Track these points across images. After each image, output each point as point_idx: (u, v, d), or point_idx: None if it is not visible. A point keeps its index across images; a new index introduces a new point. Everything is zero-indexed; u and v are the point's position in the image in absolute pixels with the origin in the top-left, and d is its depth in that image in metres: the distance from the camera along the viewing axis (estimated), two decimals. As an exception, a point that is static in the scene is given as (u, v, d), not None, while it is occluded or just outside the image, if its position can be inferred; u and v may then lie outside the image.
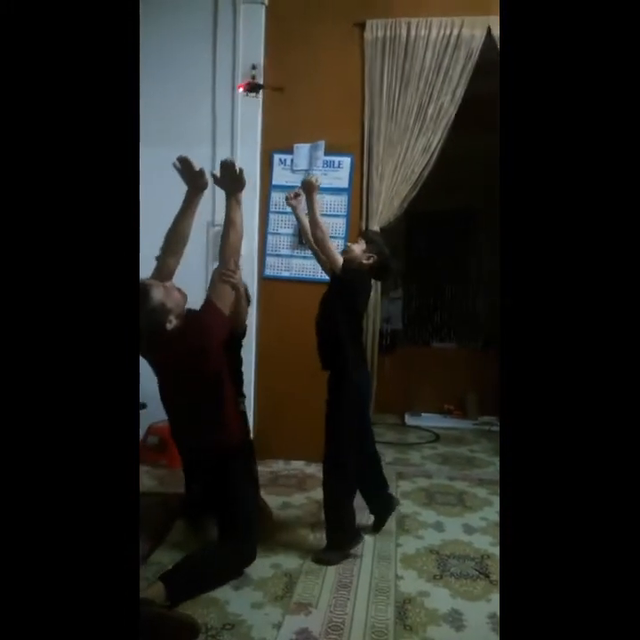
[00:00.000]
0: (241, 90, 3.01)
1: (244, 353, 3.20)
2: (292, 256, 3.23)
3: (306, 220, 2.28)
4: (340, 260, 2.10)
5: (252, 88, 2.97)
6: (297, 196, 2.35)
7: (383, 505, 2.29)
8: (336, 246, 2.29)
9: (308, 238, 2.31)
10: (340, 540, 2.06)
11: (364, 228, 3.12)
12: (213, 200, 3.21)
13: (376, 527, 2.28)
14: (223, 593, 1.79)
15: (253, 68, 3.15)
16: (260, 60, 3.18)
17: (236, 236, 1.88)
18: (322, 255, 2.23)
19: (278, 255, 3.26)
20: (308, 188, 2.17)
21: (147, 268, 1.98)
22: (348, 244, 2.33)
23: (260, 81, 3.10)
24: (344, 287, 2.13)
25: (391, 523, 2.36)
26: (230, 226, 1.87)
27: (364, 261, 2.16)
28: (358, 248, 2.19)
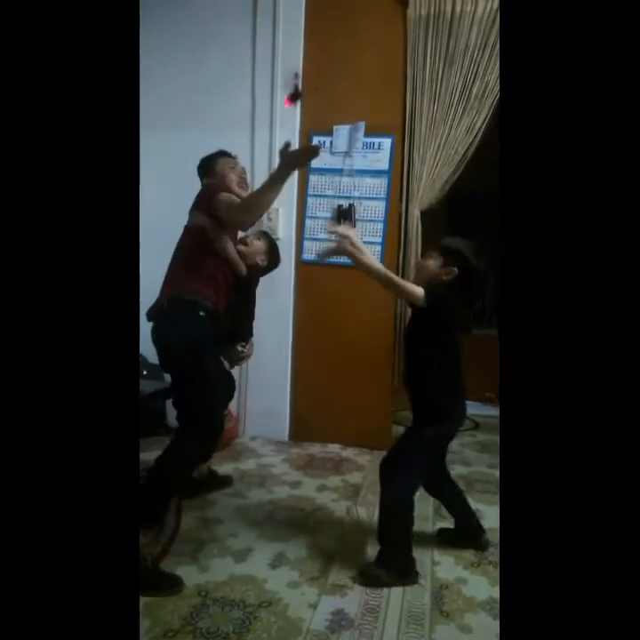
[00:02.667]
0: (287, 105, 3.05)
1: (280, 336, 3.24)
2: (329, 240, 3.20)
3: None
4: (420, 291, 1.74)
5: (296, 97, 3.02)
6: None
7: (471, 531, 2.05)
8: (403, 279, 1.95)
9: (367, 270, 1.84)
10: (389, 559, 1.80)
11: (404, 211, 3.07)
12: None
13: (449, 541, 2.07)
14: (261, 571, 1.81)
15: (296, 76, 3.13)
16: (301, 38, 3.14)
17: (262, 205, 1.84)
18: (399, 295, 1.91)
19: (316, 239, 3.24)
20: (341, 252, 1.82)
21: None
22: (419, 261, 2.03)
23: (300, 79, 3.10)
24: (434, 317, 1.78)
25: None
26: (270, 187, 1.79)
27: (444, 278, 1.81)
28: (433, 264, 1.84)
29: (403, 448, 1.88)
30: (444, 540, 2.08)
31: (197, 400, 1.86)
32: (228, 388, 2.56)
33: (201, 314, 1.90)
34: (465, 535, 2.06)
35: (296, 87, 3.11)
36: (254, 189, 2.01)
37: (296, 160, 1.78)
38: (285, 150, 1.75)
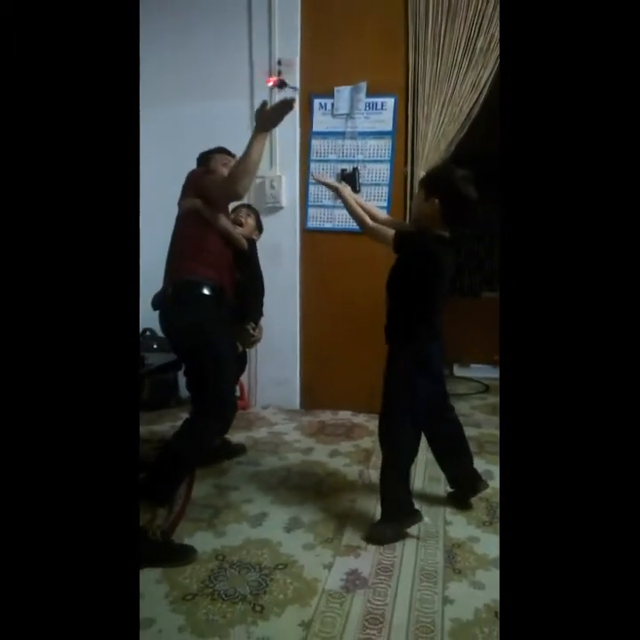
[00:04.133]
0: (270, 84, 2.94)
1: (288, 305, 3.23)
2: (334, 207, 3.15)
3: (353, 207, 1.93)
4: (389, 232, 1.77)
5: (280, 85, 2.88)
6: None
7: (465, 480, 2.09)
8: (384, 216, 2.04)
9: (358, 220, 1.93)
10: (392, 513, 1.85)
11: (409, 172, 3.00)
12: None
13: (456, 501, 2.08)
14: (276, 535, 1.85)
15: (279, 63, 3.04)
16: (298, 1, 3.04)
17: (250, 169, 1.78)
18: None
19: (321, 206, 3.20)
20: (332, 190, 1.97)
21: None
22: (414, 201, 2.03)
23: (287, 77, 2.99)
24: (406, 260, 1.81)
25: (440, 470, 2.36)
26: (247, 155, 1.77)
27: (427, 212, 1.76)
28: (419, 200, 1.81)
29: (390, 394, 1.86)
30: (455, 502, 2.10)
31: (211, 380, 1.86)
32: (239, 364, 2.57)
33: (205, 293, 1.89)
34: (465, 487, 2.08)
35: (279, 73, 3.02)
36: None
37: (269, 119, 1.78)
38: (261, 110, 1.76)
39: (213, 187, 1.92)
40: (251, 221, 2.47)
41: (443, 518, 1.98)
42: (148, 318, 2.01)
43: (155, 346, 2.90)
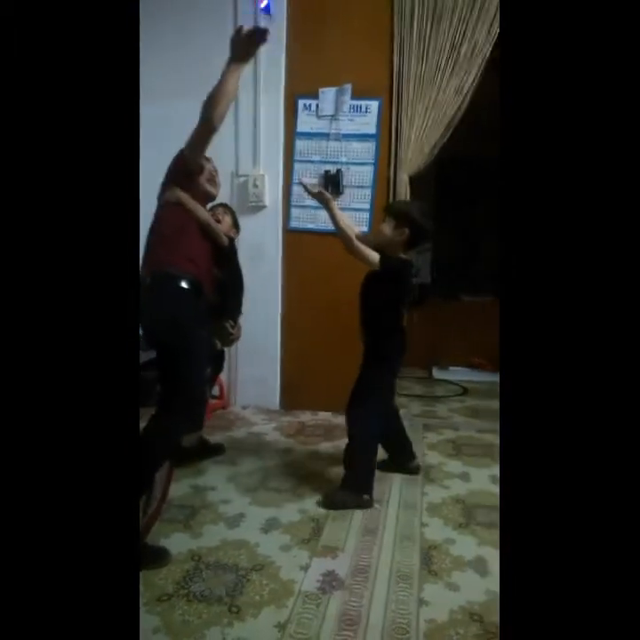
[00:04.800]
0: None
1: (269, 305, 3.22)
2: (317, 207, 3.11)
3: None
4: (375, 256, 2.01)
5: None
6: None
7: (406, 460, 2.41)
8: (361, 234, 2.14)
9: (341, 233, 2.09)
10: (353, 482, 2.09)
11: (392, 176, 3.02)
12: (236, 150, 3.16)
13: (389, 468, 2.39)
14: (253, 536, 1.84)
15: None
16: (285, 2, 3.03)
17: (223, 97, 1.73)
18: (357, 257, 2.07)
19: (303, 206, 3.19)
20: (322, 200, 2.07)
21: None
22: (378, 227, 2.21)
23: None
24: (386, 280, 2.08)
25: (420, 473, 2.38)
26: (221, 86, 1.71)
27: (397, 239, 2.07)
28: (388, 228, 2.09)
29: (361, 390, 2.17)
30: (385, 469, 2.37)
31: (180, 378, 1.83)
32: (215, 360, 2.55)
33: (184, 286, 1.86)
34: (400, 462, 2.41)
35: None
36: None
37: (244, 48, 1.69)
38: (236, 37, 1.67)
39: (192, 139, 1.83)
40: (228, 219, 2.47)
41: (419, 520, 2.00)
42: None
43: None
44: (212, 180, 2.06)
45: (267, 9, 3.00)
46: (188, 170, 1.91)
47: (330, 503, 2.06)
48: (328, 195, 2.10)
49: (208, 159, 2.06)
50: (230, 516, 1.97)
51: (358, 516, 2.01)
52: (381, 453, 2.27)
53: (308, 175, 3.10)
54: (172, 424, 1.83)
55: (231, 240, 2.37)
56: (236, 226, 2.57)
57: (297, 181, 3.15)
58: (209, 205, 2.24)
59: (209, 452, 2.52)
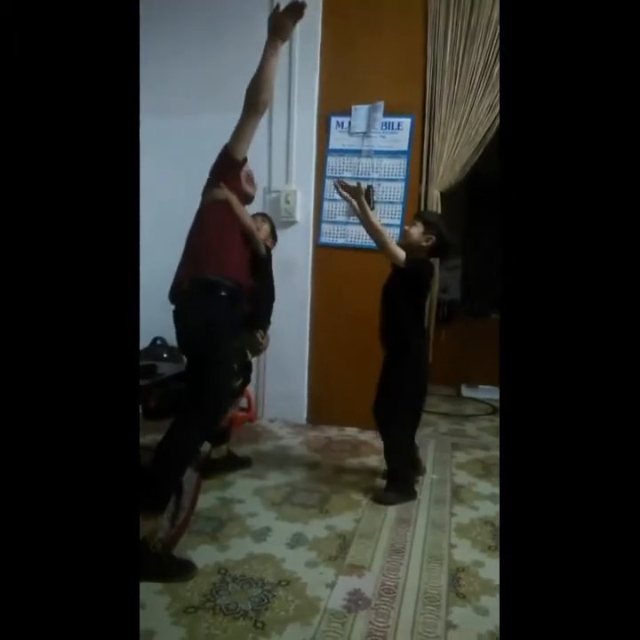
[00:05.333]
0: None
1: (298, 320, 3.24)
2: (348, 223, 3.17)
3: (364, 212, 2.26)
4: (402, 254, 2.14)
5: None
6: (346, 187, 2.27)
7: (413, 465, 2.48)
8: (391, 236, 2.29)
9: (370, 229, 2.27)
10: (397, 484, 2.27)
11: (423, 192, 3.03)
12: (269, 166, 3.21)
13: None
14: (279, 550, 1.84)
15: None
16: (319, 16, 3.08)
17: (266, 81, 1.78)
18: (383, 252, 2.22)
19: (334, 222, 3.22)
20: (353, 193, 2.19)
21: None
22: (405, 228, 2.31)
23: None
24: (409, 279, 2.20)
25: (446, 491, 2.35)
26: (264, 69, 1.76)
27: (424, 244, 2.20)
28: (416, 231, 2.22)
29: (385, 388, 2.31)
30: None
31: (206, 385, 1.81)
32: (243, 371, 2.56)
33: (222, 294, 1.82)
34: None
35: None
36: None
37: (282, 25, 1.71)
38: (274, 15, 1.71)
39: (237, 125, 1.84)
40: (266, 228, 2.48)
41: (447, 541, 1.96)
42: (161, 327, 2.01)
43: (165, 355, 2.91)
44: (250, 180, 2.06)
45: None
46: (233, 161, 1.87)
47: (380, 501, 2.24)
48: (358, 187, 2.21)
49: (254, 184, 2.08)
50: (257, 530, 1.97)
51: (385, 534, 1.99)
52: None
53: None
54: (190, 436, 1.79)
55: (268, 249, 2.39)
56: (273, 235, 2.58)
57: (328, 196, 3.18)
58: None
59: (236, 464, 2.53)
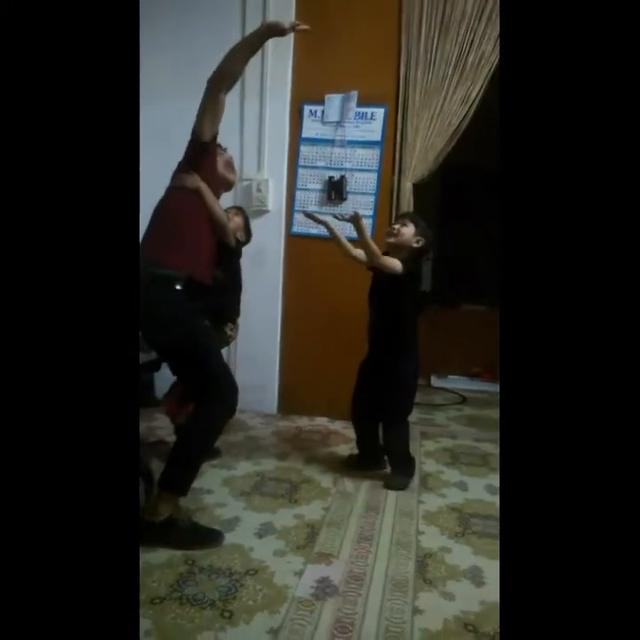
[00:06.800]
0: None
1: (269, 309, 3.22)
2: (320, 213, 3.13)
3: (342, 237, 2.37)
4: (398, 264, 2.14)
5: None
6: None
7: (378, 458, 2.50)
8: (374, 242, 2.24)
9: (344, 249, 2.36)
10: (407, 468, 2.36)
11: (396, 182, 3.03)
12: (241, 154, 3.16)
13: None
14: (247, 540, 1.83)
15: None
16: (293, 3, 3.05)
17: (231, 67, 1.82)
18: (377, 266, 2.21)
19: (306, 212, 3.19)
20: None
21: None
22: (396, 226, 2.26)
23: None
24: (406, 283, 2.20)
25: (414, 479, 2.37)
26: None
27: (414, 245, 2.21)
28: (408, 232, 2.21)
29: (396, 391, 2.33)
30: (352, 465, 2.50)
31: (203, 367, 1.81)
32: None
33: (177, 288, 1.79)
34: (370, 460, 2.48)
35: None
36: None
37: (275, 28, 1.76)
38: (273, 24, 1.77)
39: (203, 109, 1.83)
40: (238, 220, 2.43)
41: (415, 528, 1.99)
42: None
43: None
44: (229, 167, 2.02)
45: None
46: (200, 143, 1.84)
47: (396, 487, 2.29)
48: (323, 218, 2.27)
49: (224, 149, 2.03)
50: (225, 520, 1.96)
51: (354, 522, 2.00)
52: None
53: (313, 181, 3.12)
54: (216, 416, 1.82)
55: (238, 242, 2.34)
56: (247, 230, 2.51)
57: (301, 186, 3.16)
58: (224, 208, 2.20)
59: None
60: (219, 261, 2.06)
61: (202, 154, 1.87)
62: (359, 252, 2.28)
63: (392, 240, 2.24)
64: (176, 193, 1.89)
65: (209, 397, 1.81)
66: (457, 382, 4.38)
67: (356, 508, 2.13)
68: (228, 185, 2.04)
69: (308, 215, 2.30)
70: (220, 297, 2.24)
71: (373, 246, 2.15)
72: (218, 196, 1.99)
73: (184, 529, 1.78)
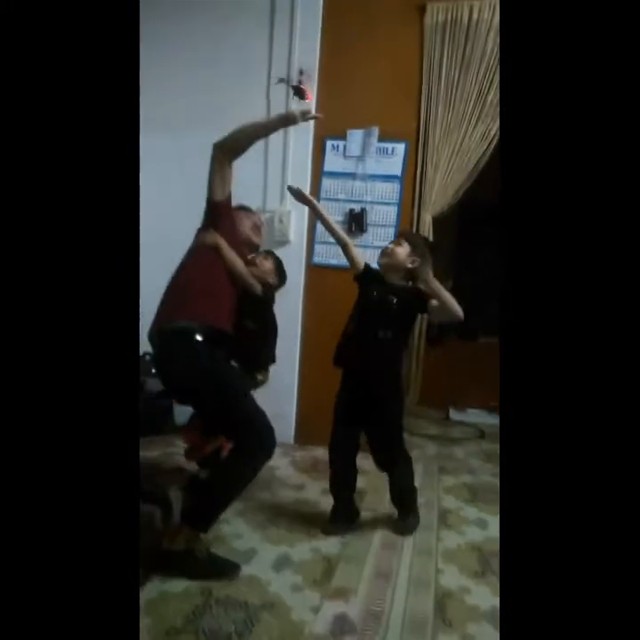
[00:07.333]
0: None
1: (288, 339, 3.23)
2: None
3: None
4: (361, 264, 2.11)
5: (297, 92, 2.76)
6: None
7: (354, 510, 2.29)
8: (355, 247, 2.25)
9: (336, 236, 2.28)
10: (416, 505, 2.26)
11: (416, 216, 3.06)
12: (264, 186, 3.24)
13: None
14: (264, 573, 1.81)
15: (301, 72, 3.13)
16: (317, 44, 3.15)
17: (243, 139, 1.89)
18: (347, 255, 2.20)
19: (327, 242, 3.23)
20: (297, 196, 2.17)
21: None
22: (390, 246, 2.10)
23: (306, 84, 3.05)
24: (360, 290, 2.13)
25: (433, 516, 2.34)
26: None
27: (409, 266, 2.05)
28: (403, 252, 2.05)
29: (392, 432, 2.18)
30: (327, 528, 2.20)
31: (232, 414, 1.78)
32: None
33: (197, 338, 1.79)
34: (347, 513, 2.25)
35: (300, 82, 3.05)
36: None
37: (290, 119, 1.86)
38: (289, 118, 1.86)
39: (214, 161, 1.92)
40: (268, 264, 2.32)
41: (434, 567, 1.95)
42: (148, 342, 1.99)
43: (153, 371, 2.89)
44: (257, 228, 2.09)
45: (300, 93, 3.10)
46: (214, 203, 1.92)
47: (407, 531, 2.17)
48: (312, 199, 2.21)
49: (254, 211, 2.11)
50: (242, 551, 1.95)
51: (371, 558, 1.97)
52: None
53: (334, 213, 3.17)
54: (250, 463, 1.77)
55: (268, 287, 2.26)
56: (279, 273, 2.39)
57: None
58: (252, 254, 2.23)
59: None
60: (248, 310, 2.05)
61: (216, 212, 1.95)
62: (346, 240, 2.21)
63: (385, 260, 2.09)
64: (195, 252, 1.95)
65: (246, 442, 1.77)
66: (475, 416, 4.32)
67: (373, 543, 2.10)
68: (252, 246, 2.10)
69: (292, 190, 2.22)
70: (251, 345, 2.19)
71: (340, 233, 2.16)
72: (241, 254, 2.02)
73: (201, 559, 1.77)
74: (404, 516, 2.23)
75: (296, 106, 3.14)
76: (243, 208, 2.20)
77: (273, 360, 2.45)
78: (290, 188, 2.22)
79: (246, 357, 2.21)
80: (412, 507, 2.25)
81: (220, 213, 1.95)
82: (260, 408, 1.83)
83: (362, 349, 2.12)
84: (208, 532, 1.83)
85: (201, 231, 1.97)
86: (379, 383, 2.13)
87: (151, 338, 1.87)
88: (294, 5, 3.15)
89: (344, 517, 2.20)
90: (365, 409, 2.15)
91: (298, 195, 2.20)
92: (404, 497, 2.24)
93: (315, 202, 2.24)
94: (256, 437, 1.77)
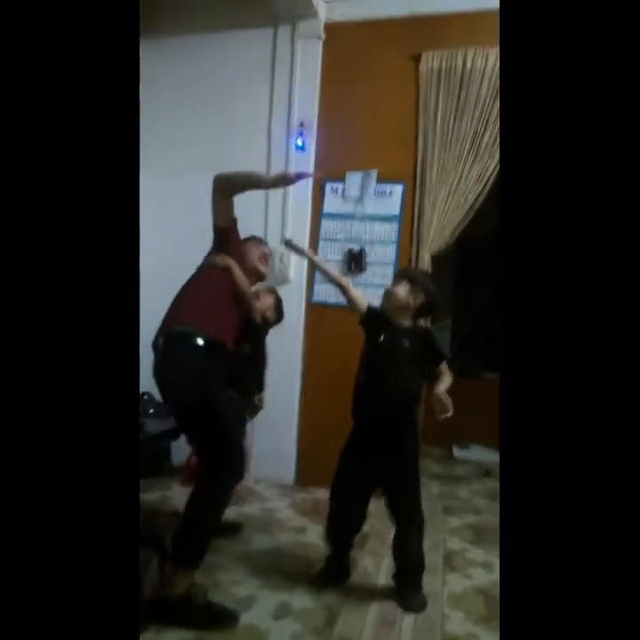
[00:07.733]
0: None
1: (288, 377, 3.23)
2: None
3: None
4: (364, 303, 2.05)
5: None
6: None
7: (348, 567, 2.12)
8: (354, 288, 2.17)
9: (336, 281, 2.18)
10: (421, 579, 1.98)
11: (414, 255, 3.10)
12: (265, 227, 3.29)
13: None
14: (264, 622, 1.75)
15: (301, 124, 3.24)
16: (317, 91, 3.26)
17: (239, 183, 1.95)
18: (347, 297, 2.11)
19: (326, 283, 3.26)
20: (292, 249, 2.19)
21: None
22: (389, 289, 2.04)
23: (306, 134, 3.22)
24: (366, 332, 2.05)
25: (438, 558, 2.28)
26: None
27: (411, 304, 1.98)
28: (403, 291, 1.97)
29: (409, 483, 2.01)
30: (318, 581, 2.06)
31: (215, 436, 1.77)
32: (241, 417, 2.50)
33: (199, 343, 1.79)
34: (341, 569, 2.10)
35: (301, 134, 3.23)
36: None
37: (286, 180, 1.89)
38: (281, 180, 1.89)
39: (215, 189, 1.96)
40: (269, 299, 2.41)
41: (440, 612, 1.89)
42: (148, 382, 1.97)
43: (151, 411, 2.85)
44: (264, 258, 2.17)
45: (302, 147, 3.23)
46: (220, 229, 1.99)
47: (418, 607, 1.91)
48: (306, 250, 2.27)
49: (263, 242, 2.18)
50: (241, 599, 1.89)
51: (375, 606, 1.91)
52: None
53: (333, 253, 3.21)
54: (219, 488, 1.76)
55: (266, 321, 2.36)
56: (277, 310, 2.47)
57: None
58: (256, 287, 2.27)
59: (226, 530, 2.43)
60: (246, 337, 2.11)
61: (223, 238, 2.02)
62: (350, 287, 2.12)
63: (386, 303, 2.02)
64: (204, 270, 2.00)
65: (220, 465, 1.76)
66: (479, 453, 4.26)
67: (376, 589, 2.04)
68: (259, 275, 2.17)
69: (287, 243, 2.23)
70: (245, 369, 2.26)
71: (338, 278, 2.11)
72: (249, 283, 2.09)
73: (199, 607, 1.72)
74: (415, 588, 1.97)
75: (295, 156, 3.25)
76: (253, 238, 2.28)
77: (261, 388, 2.54)
78: (286, 243, 2.27)
79: (239, 379, 2.22)
80: (419, 580, 1.98)
81: (227, 238, 2.02)
82: (236, 430, 1.88)
83: (374, 398, 2.06)
84: (199, 566, 1.76)
85: (210, 254, 2.04)
86: (394, 428, 2.06)
87: (155, 345, 1.87)
88: (294, 54, 3.27)
89: (339, 572, 2.07)
90: (379, 451, 2.06)
91: (292, 248, 2.24)
92: (416, 564, 1.98)
93: (309, 253, 2.29)
94: (231, 460, 1.78)
